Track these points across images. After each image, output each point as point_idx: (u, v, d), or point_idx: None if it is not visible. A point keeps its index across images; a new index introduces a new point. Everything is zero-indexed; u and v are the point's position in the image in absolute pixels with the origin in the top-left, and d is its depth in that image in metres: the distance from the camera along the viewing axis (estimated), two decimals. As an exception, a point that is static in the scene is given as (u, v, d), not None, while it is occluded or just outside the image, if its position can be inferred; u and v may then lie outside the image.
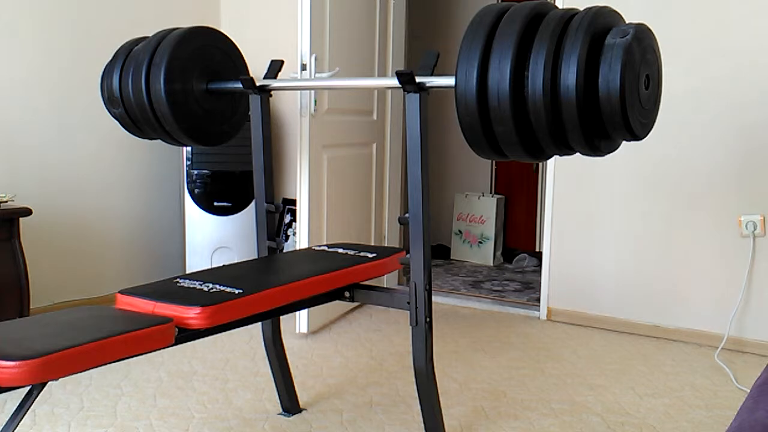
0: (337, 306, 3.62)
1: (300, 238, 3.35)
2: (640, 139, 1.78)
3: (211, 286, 1.90)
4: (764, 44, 3.17)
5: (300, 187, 3.30)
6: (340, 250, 2.41)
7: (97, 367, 1.52)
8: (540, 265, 3.96)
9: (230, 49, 2.45)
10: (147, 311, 1.75)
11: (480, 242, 5.36)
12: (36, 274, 3.30)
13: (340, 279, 2.17)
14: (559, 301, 3.75)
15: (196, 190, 3.88)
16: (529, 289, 4.48)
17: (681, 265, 3.43)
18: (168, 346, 1.69)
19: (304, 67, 3.18)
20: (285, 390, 2.51)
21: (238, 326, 1.95)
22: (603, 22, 1.71)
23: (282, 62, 2.39)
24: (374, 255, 2.32)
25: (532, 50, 1.70)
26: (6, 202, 3.00)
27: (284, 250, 4.03)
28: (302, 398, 2.61)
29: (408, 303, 2.10)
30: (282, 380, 2.49)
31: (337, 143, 3.54)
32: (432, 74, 1.97)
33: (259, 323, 2.34)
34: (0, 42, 3.34)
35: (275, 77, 2.36)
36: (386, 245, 4.10)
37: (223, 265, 2.21)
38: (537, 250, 5.23)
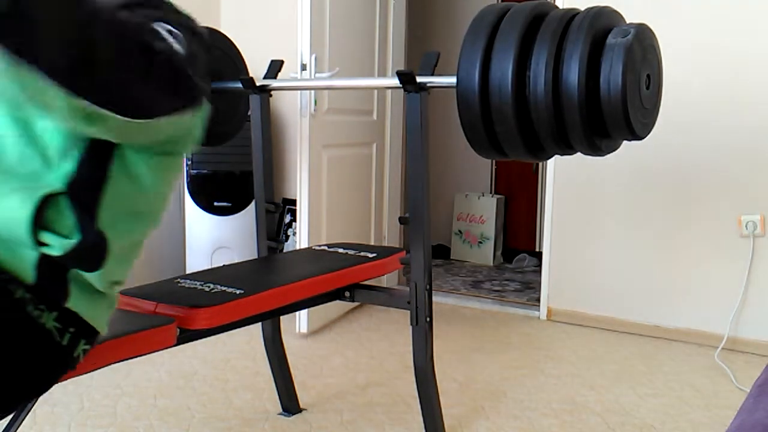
0: (337, 306, 3.62)
1: (300, 238, 3.35)
2: (641, 138, 1.78)
3: (212, 286, 1.90)
4: (764, 44, 3.18)
5: (300, 187, 3.30)
6: (340, 250, 2.41)
7: (98, 368, 1.51)
8: (540, 265, 3.96)
9: (230, 49, 2.44)
10: (149, 311, 1.75)
11: (480, 242, 5.36)
12: (36, 274, 3.29)
13: (340, 279, 2.17)
14: (559, 301, 3.75)
15: (196, 190, 3.88)
16: (529, 289, 4.48)
17: (681, 265, 3.43)
18: (170, 347, 1.69)
19: (304, 67, 3.17)
20: (285, 390, 2.51)
21: (239, 326, 1.94)
22: (604, 22, 1.71)
23: (282, 62, 2.39)
24: (374, 255, 2.32)
25: (533, 50, 1.70)
26: (6, 202, 3.00)
27: (284, 250, 4.03)
28: (302, 398, 2.61)
29: (408, 303, 2.10)
30: (282, 380, 2.49)
31: (337, 143, 3.54)
32: (432, 74, 1.97)
33: (259, 323, 2.34)
34: (0, 42, 3.34)
35: (275, 77, 2.36)
36: (386, 245, 4.10)
37: (224, 265, 2.21)
38: (537, 250, 5.23)
